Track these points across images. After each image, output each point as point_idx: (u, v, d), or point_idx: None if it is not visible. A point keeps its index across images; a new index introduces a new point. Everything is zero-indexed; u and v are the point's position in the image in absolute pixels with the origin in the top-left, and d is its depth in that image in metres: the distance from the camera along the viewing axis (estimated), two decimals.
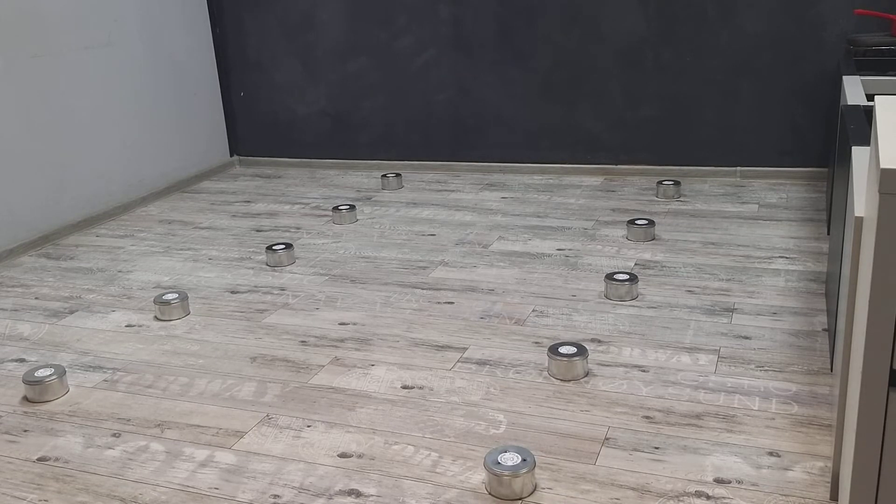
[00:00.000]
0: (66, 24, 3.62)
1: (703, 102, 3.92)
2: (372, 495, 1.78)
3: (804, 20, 3.67)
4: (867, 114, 2.14)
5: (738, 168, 3.95)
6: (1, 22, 3.33)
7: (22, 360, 2.49)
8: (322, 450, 1.95)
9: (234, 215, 3.85)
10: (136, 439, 2.04)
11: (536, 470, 1.79)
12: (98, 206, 3.84)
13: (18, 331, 2.71)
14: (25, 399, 2.26)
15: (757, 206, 3.54)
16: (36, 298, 2.97)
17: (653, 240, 3.18)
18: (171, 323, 2.69)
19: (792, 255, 2.97)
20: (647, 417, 2.01)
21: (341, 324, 2.62)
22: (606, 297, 2.70)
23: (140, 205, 4.05)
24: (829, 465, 1.77)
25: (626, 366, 2.26)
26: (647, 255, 3.03)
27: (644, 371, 2.23)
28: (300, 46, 4.46)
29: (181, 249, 3.40)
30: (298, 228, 3.59)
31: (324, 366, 2.36)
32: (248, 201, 4.07)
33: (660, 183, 3.75)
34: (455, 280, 2.92)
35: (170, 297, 2.73)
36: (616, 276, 2.70)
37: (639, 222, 3.20)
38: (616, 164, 4.13)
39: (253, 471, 1.89)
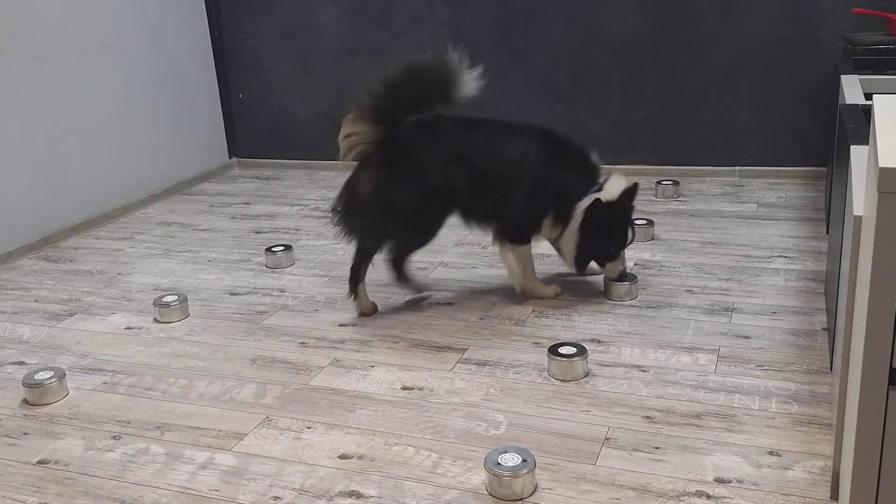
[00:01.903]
0: (64, 27, 3.62)
1: (702, 102, 3.92)
2: (372, 496, 1.78)
3: (802, 19, 3.67)
4: (866, 113, 2.14)
5: (737, 168, 3.95)
6: (0, 24, 3.34)
7: (21, 363, 2.49)
8: (322, 451, 1.95)
9: (233, 217, 3.85)
10: (136, 441, 2.04)
11: (537, 470, 1.79)
12: (97, 208, 3.84)
13: (18, 333, 2.71)
14: (25, 402, 2.26)
15: (756, 205, 3.54)
16: (35, 301, 2.97)
17: (652, 240, 3.18)
18: (171, 325, 2.69)
19: (791, 255, 2.97)
20: (647, 417, 2.01)
21: (341, 325, 2.62)
22: (606, 297, 2.70)
23: (139, 207, 4.05)
24: (830, 464, 1.77)
25: (625, 366, 2.26)
26: (646, 255, 3.03)
27: (644, 371, 2.23)
28: (299, 48, 4.46)
29: (180, 251, 3.40)
30: (298, 230, 3.59)
31: (324, 367, 2.36)
32: (248, 203, 4.07)
33: (659, 183, 3.75)
34: (454, 281, 2.92)
35: (169, 299, 2.73)
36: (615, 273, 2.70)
37: (638, 222, 3.20)
38: (615, 164, 4.12)
39: (253, 472, 1.89)
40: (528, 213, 2.59)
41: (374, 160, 2.47)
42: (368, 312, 2.67)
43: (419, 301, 2.77)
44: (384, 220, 2.52)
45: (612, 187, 2.57)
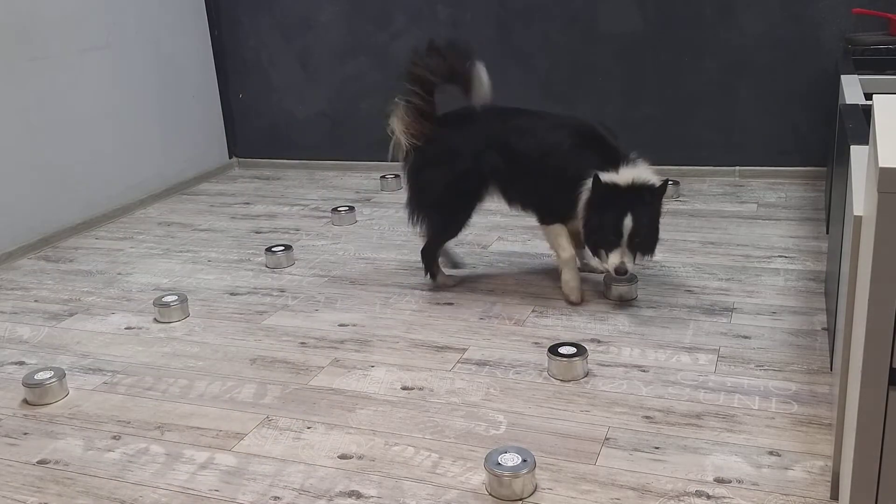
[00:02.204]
0: (64, 27, 3.62)
1: (702, 102, 3.92)
2: (372, 497, 1.78)
3: (802, 19, 3.67)
4: (866, 113, 2.14)
5: (737, 168, 3.95)
6: (0, 25, 3.34)
7: (22, 363, 2.49)
8: (322, 451, 1.95)
9: (233, 217, 3.85)
10: (136, 441, 2.04)
11: (537, 470, 1.79)
12: (97, 208, 3.84)
13: (18, 333, 2.71)
14: (25, 402, 2.26)
15: (756, 205, 3.54)
16: (35, 301, 2.97)
17: None
18: (171, 325, 2.69)
19: (791, 255, 2.97)
20: (647, 417, 2.01)
21: (341, 325, 2.62)
22: (606, 297, 2.70)
23: (139, 207, 4.05)
24: (830, 464, 1.77)
25: (625, 366, 2.26)
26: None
27: (644, 371, 2.23)
28: (299, 48, 4.46)
29: (180, 251, 3.40)
30: (297, 230, 3.59)
31: (323, 367, 2.36)
32: (247, 203, 4.07)
33: None
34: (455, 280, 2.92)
35: (169, 299, 2.73)
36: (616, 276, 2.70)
37: None
38: None
39: (253, 473, 1.89)
40: (549, 197, 2.65)
41: (417, 148, 2.72)
42: (446, 284, 2.85)
43: (419, 301, 2.77)
44: (418, 202, 2.77)
45: (627, 173, 2.49)
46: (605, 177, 2.46)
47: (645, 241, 2.52)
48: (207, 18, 4.47)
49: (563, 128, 2.64)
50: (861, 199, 1.49)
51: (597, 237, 2.53)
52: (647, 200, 2.49)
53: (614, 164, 2.52)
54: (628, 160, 2.54)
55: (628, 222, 2.45)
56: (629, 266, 2.50)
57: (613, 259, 2.49)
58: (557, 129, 2.63)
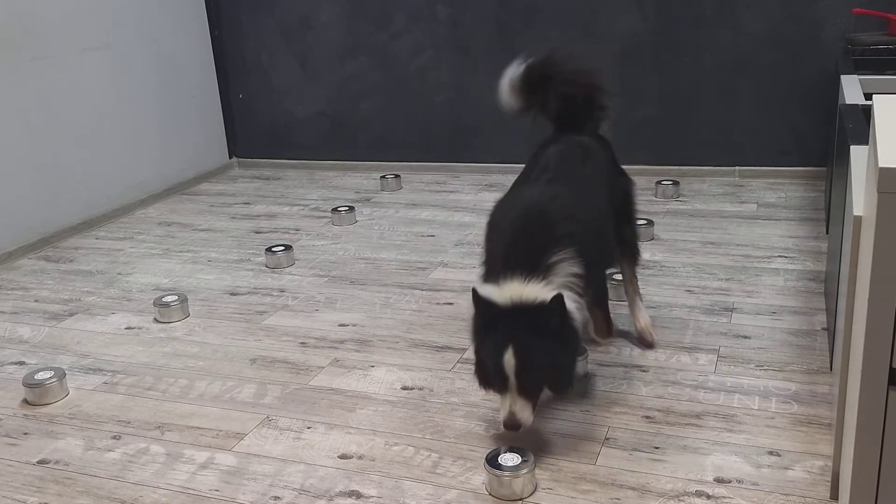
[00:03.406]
0: (64, 27, 3.62)
1: (702, 102, 3.92)
2: (372, 496, 1.78)
3: (802, 19, 3.67)
4: (865, 113, 2.14)
5: (737, 168, 3.95)
6: (0, 25, 3.34)
7: (22, 363, 2.49)
8: (322, 451, 1.95)
9: (233, 217, 3.85)
10: (136, 441, 2.04)
11: (537, 470, 1.79)
12: (97, 208, 3.84)
13: (18, 333, 2.71)
14: (25, 402, 2.26)
15: (756, 205, 3.54)
16: (35, 301, 2.97)
17: (652, 240, 3.18)
18: (171, 325, 2.69)
19: (791, 255, 2.97)
20: (647, 417, 2.01)
21: (341, 325, 2.62)
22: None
23: (139, 207, 4.05)
24: (830, 464, 1.77)
25: (625, 366, 2.26)
26: (646, 255, 3.02)
27: (644, 371, 2.23)
28: (298, 48, 4.46)
29: (180, 251, 3.40)
30: (297, 230, 3.59)
31: (324, 367, 2.36)
32: (248, 203, 4.07)
33: (658, 183, 3.75)
34: (454, 281, 2.92)
35: (169, 299, 2.73)
36: (615, 276, 2.69)
37: (638, 222, 3.20)
38: None
39: (253, 472, 1.89)
40: None
41: None
42: None
43: (419, 301, 2.76)
44: None
45: (511, 288, 1.81)
46: (486, 291, 1.84)
47: (544, 377, 1.83)
48: (207, 19, 4.47)
49: (527, 195, 2.06)
50: (861, 199, 1.49)
51: (481, 374, 1.91)
52: (538, 324, 1.77)
53: (511, 271, 1.83)
54: (538, 268, 1.82)
55: (509, 357, 1.76)
56: (524, 418, 1.79)
57: (502, 410, 1.81)
58: (524, 195, 2.08)
